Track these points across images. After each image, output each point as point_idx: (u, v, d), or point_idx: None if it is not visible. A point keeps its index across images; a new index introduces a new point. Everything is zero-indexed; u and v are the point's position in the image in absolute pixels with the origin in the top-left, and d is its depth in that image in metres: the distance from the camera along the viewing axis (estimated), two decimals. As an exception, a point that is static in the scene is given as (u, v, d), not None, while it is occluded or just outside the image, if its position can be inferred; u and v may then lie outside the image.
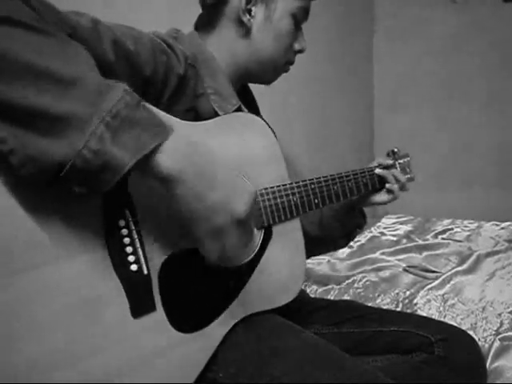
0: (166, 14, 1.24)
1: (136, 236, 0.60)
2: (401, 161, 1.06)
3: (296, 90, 1.85)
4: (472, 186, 2.31)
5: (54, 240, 0.53)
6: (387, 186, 0.97)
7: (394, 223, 2.16)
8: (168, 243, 0.64)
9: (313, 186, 0.84)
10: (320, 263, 1.67)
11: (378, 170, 0.97)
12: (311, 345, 0.69)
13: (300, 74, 1.73)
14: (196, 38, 0.83)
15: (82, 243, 0.55)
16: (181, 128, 0.54)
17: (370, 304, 1.25)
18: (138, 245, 0.60)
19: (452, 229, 2.01)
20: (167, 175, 0.51)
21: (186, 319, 0.64)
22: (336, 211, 1.02)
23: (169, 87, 0.72)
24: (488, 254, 1.66)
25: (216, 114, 0.77)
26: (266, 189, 0.77)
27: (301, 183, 0.82)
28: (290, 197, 0.80)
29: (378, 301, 1.31)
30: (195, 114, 0.77)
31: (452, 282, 1.41)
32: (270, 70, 0.88)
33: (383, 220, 2.22)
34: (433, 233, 1.98)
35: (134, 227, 0.60)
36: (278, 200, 0.78)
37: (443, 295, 1.32)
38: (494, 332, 1.11)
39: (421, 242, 1.86)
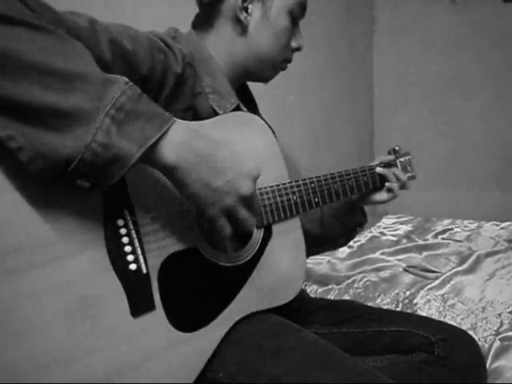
0: (165, 14, 1.24)
1: (135, 235, 0.60)
2: (402, 159, 1.06)
3: (295, 89, 1.85)
4: (472, 185, 2.31)
5: (53, 239, 0.53)
6: (387, 184, 0.97)
7: (394, 223, 2.16)
8: (167, 243, 0.63)
9: (313, 185, 0.84)
10: (320, 263, 1.67)
11: (378, 169, 0.97)
12: (311, 344, 0.69)
13: (300, 73, 1.74)
14: (194, 36, 0.83)
15: (81, 242, 0.55)
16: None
17: (370, 304, 1.24)
18: (136, 244, 0.60)
19: (452, 229, 2.01)
20: (172, 164, 0.54)
21: (186, 318, 0.64)
22: (336, 210, 1.02)
23: (167, 86, 0.72)
24: (488, 254, 1.66)
25: (215, 113, 0.77)
26: (265, 188, 0.77)
27: (301, 182, 0.82)
28: (290, 196, 0.80)
29: (378, 301, 1.31)
30: (194, 113, 0.77)
31: (452, 282, 1.41)
32: (269, 68, 0.88)
33: (383, 220, 2.22)
34: (433, 233, 1.98)
35: (132, 227, 0.60)
36: (278, 199, 0.78)
37: (443, 295, 1.32)
38: (494, 332, 1.11)
39: (421, 242, 1.86)
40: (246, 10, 0.81)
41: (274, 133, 0.82)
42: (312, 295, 1.32)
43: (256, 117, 0.80)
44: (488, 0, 2.17)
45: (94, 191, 0.56)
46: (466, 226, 2.03)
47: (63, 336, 0.52)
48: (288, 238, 0.80)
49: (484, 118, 2.27)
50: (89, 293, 0.55)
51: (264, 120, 0.81)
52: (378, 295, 1.34)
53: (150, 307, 0.60)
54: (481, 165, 2.30)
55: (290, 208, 0.80)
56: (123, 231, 0.59)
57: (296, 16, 0.85)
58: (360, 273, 1.54)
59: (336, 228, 1.04)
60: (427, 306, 1.26)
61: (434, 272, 1.52)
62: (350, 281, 1.45)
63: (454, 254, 1.69)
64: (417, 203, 2.16)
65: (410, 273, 1.52)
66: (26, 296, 0.50)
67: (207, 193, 0.57)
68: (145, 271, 0.60)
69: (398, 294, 1.34)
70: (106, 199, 0.58)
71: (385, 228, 2.09)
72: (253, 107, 0.95)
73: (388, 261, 1.65)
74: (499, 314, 1.18)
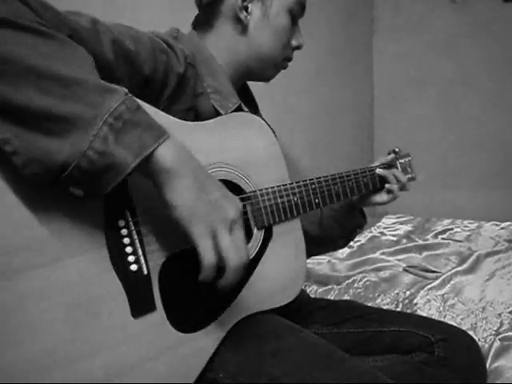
0: (166, 14, 1.24)
1: (136, 236, 0.60)
2: (402, 160, 1.06)
3: (296, 89, 1.85)
4: (472, 185, 2.31)
5: (54, 240, 0.53)
6: (387, 186, 0.97)
7: (394, 223, 2.16)
8: (168, 244, 0.63)
9: (313, 186, 0.84)
10: (320, 263, 1.67)
11: (378, 170, 0.97)
12: (311, 345, 0.69)
13: (300, 73, 1.74)
14: (195, 37, 0.83)
15: (82, 243, 0.55)
16: (174, 131, 0.55)
17: (370, 304, 1.24)
18: (137, 245, 0.60)
19: (452, 229, 2.01)
20: (168, 169, 0.53)
21: (186, 319, 0.64)
22: (336, 211, 1.02)
23: (169, 86, 0.72)
24: (488, 254, 1.66)
25: (216, 113, 0.78)
26: (266, 189, 0.77)
27: (301, 183, 0.82)
28: (291, 197, 0.80)
29: (378, 301, 1.31)
30: (195, 114, 0.77)
31: (452, 282, 1.41)
32: (270, 67, 0.88)
33: (383, 220, 2.21)
34: (433, 233, 1.97)
35: (133, 227, 0.60)
36: (279, 200, 0.78)
37: (443, 295, 1.32)
38: (494, 332, 1.11)
39: (421, 242, 1.85)
40: (246, 9, 0.82)
41: (274, 133, 0.83)
42: (312, 295, 1.32)
43: (257, 117, 0.80)
44: (488, 0, 2.17)
45: (89, 199, 0.56)
46: (466, 226, 2.03)
47: (63, 336, 0.52)
48: (288, 238, 0.80)
49: (484, 117, 2.27)
50: (89, 293, 0.55)
51: (264, 120, 0.82)
52: (378, 295, 1.34)
53: (151, 308, 0.60)
54: (481, 165, 2.29)
55: (291, 209, 0.80)
56: (124, 232, 0.59)
57: (295, 15, 0.86)
58: (360, 273, 1.54)
59: (335, 229, 1.04)
60: (427, 306, 1.26)
61: (434, 272, 1.52)
62: (349, 281, 1.45)
63: (454, 254, 1.68)
64: (417, 203, 2.16)
65: (410, 273, 1.52)
66: (27, 296, 0.50)
67: (199, 204, 0.55)
68: (145, 272, 0.60)
69: (397, 294, 1.34)
70: (108, 200, 0.58)
71: (385, 228, 2.09)
72: (253, 107, 0.96)
73: (388, 261, 1.65)
74: (499, 314, 1.18)
